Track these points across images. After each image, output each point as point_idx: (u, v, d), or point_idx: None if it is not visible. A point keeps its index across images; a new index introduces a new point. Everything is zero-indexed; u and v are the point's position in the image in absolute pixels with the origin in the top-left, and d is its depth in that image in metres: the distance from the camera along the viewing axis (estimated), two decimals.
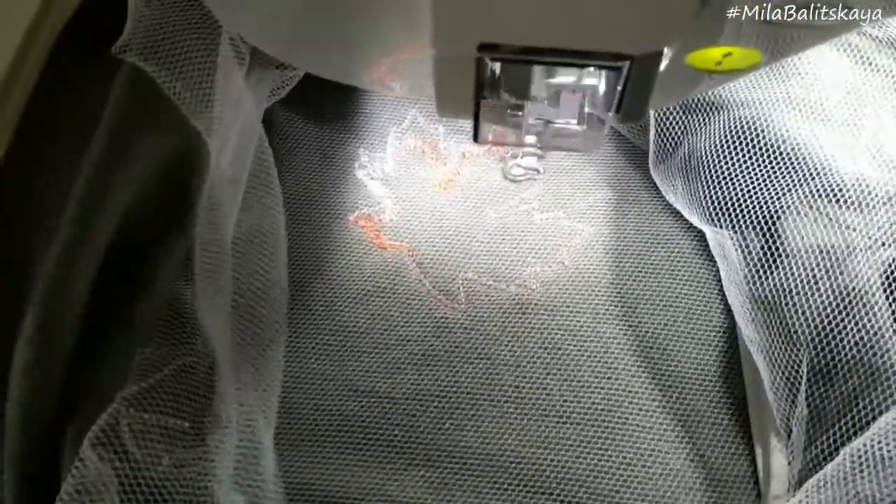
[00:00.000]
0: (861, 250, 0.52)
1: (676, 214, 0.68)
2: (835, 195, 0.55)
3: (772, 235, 0.57)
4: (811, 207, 0.56)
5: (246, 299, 0.58)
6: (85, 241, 0.51)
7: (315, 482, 0.56)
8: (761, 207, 0.58)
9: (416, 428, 0.59)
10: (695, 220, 0.64)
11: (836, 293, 0.52)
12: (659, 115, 0.66)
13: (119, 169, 0.54)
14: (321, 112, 0.75)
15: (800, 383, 0.53)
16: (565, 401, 0.60)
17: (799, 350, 0.53)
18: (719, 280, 0.65)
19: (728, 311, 0.63)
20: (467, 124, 0.75)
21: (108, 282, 0.53)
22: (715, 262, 0.66)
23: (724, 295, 0.64)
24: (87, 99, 0.56)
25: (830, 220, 0.55)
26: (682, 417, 0.59)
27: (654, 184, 0.70)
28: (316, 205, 0.70)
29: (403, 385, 0.61)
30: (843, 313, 0.51)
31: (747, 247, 0.58)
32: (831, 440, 0.51)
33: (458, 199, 0.71)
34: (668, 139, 0.66)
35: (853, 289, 0.51)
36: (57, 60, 0.56)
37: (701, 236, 0.67)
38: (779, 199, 0.57)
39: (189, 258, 0.55)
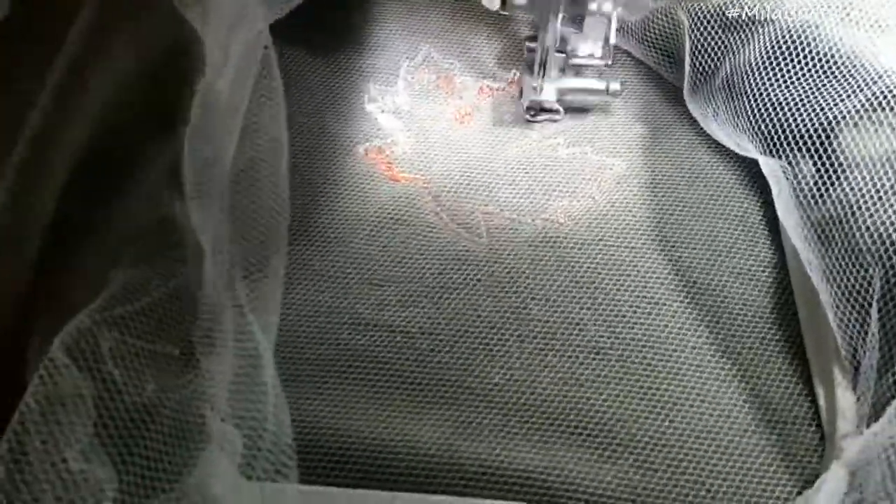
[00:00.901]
0: None
1: (713, 147, 0.63)
2: None
3: (826, 150, 0.52)
4: (869, 118, 0.51)
5: (243, 221, 0.52)
6: (56, 137, 0.45)
7: (322, 420, 0.50)
8: (814, 120, 0.53)
9: (436, 364, 0.52)
10: (739, 147, 0.59)
11: None
12: (695, 36, 0.61)
13: (98, 61, 0.48)
14: (327, 45, 0.70)
15: (870, 305, 0.47)
16: (601, 336, 0.54)
17: (868, 268, 0.47)
18: (763, 213, 0.60)
19: (774, 245, 0.58)
20: (483, 59, 0.70)
21: (81, 185, 0.47)
22: (757, 195, 0.60)
23: (769, 228, 0.59)
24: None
25: (894, 128, 0.50)
26: (731, 355, 0.53)
27: (687, 118, 0.65)
28: (323, 137, 0.64)
29: (419, 318, 0.54)
30: None
31: (802, 164, 0.53)
32: None
33: (475, 134, 0.65)
34: (706, 62, 0.61)
35: None
36: None
37: (741, 169, 0.62)
38: (832, 109, 0.52)
39: (177, 171, 0.49)
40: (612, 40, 0.62)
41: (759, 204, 0.60)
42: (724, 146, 0.62)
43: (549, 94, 0.63)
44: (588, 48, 0.62)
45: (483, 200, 0.61)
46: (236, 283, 0.49)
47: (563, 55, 0.63)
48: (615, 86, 0.63)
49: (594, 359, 0.53)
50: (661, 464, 0.49)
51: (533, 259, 0.57)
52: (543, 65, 0.61)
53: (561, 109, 0.64)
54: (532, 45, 0.64)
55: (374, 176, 0.62)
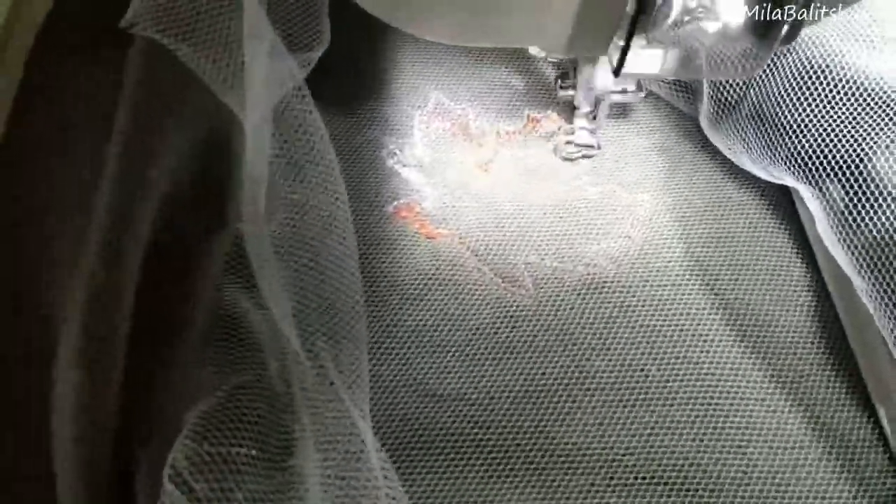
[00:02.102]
0: None
1: (737, 176, 0.64)
2: None
3: (863, 175, 0.54)
4: None
5: (314, 290, 0.50)
6: (128, 237, 0.43)
7: (414, 501, 0.48)
8: (848, 148, 0.54)
9: (508, 429, 0.52)
10: (772, 176, 0.60)
11: None
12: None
13: (148, 157, 0.46)
14: (338, 102, 0.68)
15: None
16: (666, 380, 0.54)
17: None
18: (795, 240, 0.61)
19: (811, 268, 0.60)
20: (496, 103, 0.69)
21: (152, 286, 0.45)
22: (787, 222, 0.62)
23: (803, 255, 0.60)
24: (73, 95, 0.48)
25: None
26: (789, 384, 0.54)
27: (706, 148, 0.66)
28: (351, 199, 0.62)
29: (484, 384, 0.54)
30: None
31: (839, 191, 0.55)
32: None
33: (501, 181, 0.65)
34: (727, 95, 0.62)
35: None
36: (37, 61, 0.48)
37: (768, 196, 0.63)
38: (866, 137, 0.54)
39: (232, 257, 0.47)
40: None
41: (789, 231, 0.61)
42: (746, 174, 0.63)
43: (583, 136, 0.64)
44: (621, 82, 0.62)
45: (522, 250, 0.60)
46: (315, 359, 0.47)
47: (596, 90, 0.63)
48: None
49: (663, 404, 0.53)
50: (748, 502, 0.49)
51: (584, 308, 0.57)
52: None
53: (598, 145, 0.64)
54: (565, 82, 0.63)
55: (409, 235, 0.61)
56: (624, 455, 0.51)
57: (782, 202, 0.62)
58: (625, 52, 0.43)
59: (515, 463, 0.51)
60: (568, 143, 0.65)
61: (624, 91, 0.62)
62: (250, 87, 0.49)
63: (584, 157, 0.65)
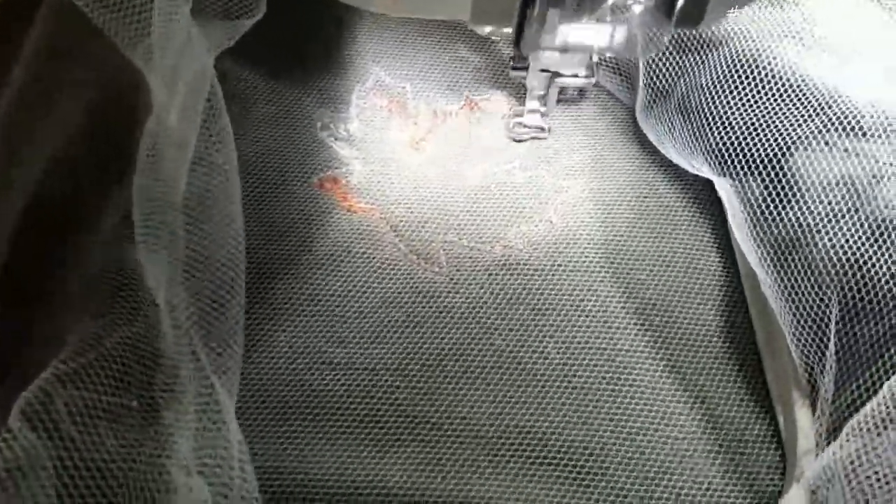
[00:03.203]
0: (887, 178, 0.49)
1: (667, 168, 0.64)
2: (850, 125, 0.51)
3: (780, 172, 0.53)
4: (823, 141, 0.52)
5: (199, 263, 0.51)
6: (3, 187, 0.43)
7: (288, 465, 0.49)
8: (769, 144, 0.54)
9: (402, 400, 0.52)
10: (693, 167, 0.60)
11: (866, 225, 0.48)
12: (649, 59, 0.61)
13: (42, 110, 0.47)
14: (277, 72, 0.68)
15: (828, 325, 0.48)
16: (564, 364, 0.54)
17: (827, 288, 0.48)
18: (717, 234, 0.61)
19: (729, 265, 0.59)
20: (437, 82, 0.69)
21: (30, 241, 0.45)
22: (710, 215, 0.62)
23: (723, 249, 0.60)
24: None
25: (847, 152, 0.51)
26: (691, 378, 0.54)
27: (642, 139, 0.66)
28: (276, 168, 0.63)
29: (383, 355, 0.54)
30: (875, 245, 0.47)
31: (756, 184, 0.54)
32: (865, 386, 0.46)
33: (431, 160, 0.65)
34: (660, 83, 0.61)
35: (884, 218, 0.47)
36: None
37: (694, 189, 0.63)
38: (787, 131, 0.53)
39: (128, 216, 0.48)
40: (596, 58, 0.63)
41: (712, 224, 0.61)
42: (677, 167, 0.62)
43: (534, 118, 0.64)
44: (573, 67, 0.62)
45: (442, 229, 0.61)
46: (193, 330, 0.48)
47: (549, 73, 0.63)
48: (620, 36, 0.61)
49: (558, 387, 0.53)
50: (631, 489, 0.49)
51: (494, 288, 0.57)
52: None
53: (548, 128, 0.64)
54: (518, 64, 0.63)
55: (331, 207, 0.61)
56: (512, 433, 0.51)
57: (708, 197, 0.61)
58: (520, 27, 0.43)
59: (403, 434, 0.51)
60: (518, 124, 0.65)
61: (575, 76, 0.62)
62: (163, 45, 0.50)
63: (533, 138, 0.65)
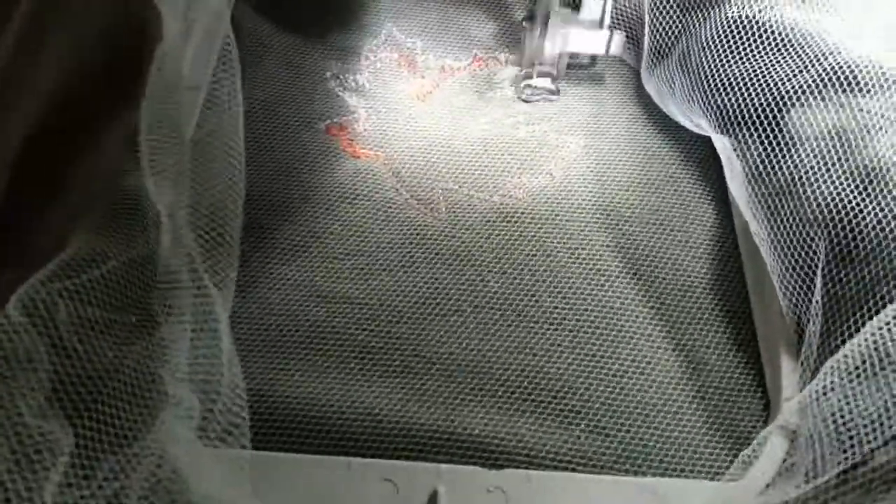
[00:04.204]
0: (878, 130, 0.49)
1: (667, 127, 0.65)
2: (846, 78, 0.51)
3: (775, 126, 0.54)
4: (818, 95, 0.53)
5: (200, 192, 0.53)
6: (13, 100, 0.45)
7: (280, 390, 0.50)
8: (765, 97, 0.54)
9: (394, 335, 0.53)
10: (693, 124, 0.61)
11: (855, 173, 0.48)
12: (654, 16, 0.62)
13: (55, 28, 0.49)
14: (291, 23, 0.70)
15: (815, 269, 0.49)
16: (556, 307, 0.55)
17: (816, 232, 0.49)
18: (714, 189, 0.61)
19: (723, 220, 0.60)
20: (446, 39, 0.71)
21: (42, 146, 0.47)
22: (708, 172, 0.62)
23: (718, 204, 0.61)
24: None
25: (842, 105, 0.52)
26: (680, 325, 0.55)
27: (643, 98, 0.66)
28: (285, 113, 0.65)
29: (378, 291, 0.55)
30: (864, 193, 0.47)
31: (753, 140, 0.55)
32: (852, 330, 0.46)
33: (436, 112, 0.66)
34: (663, 42, 0.62)
35: (872, 168, 0.48)
36: None
37: (693, 147, 0.63)
38: (783, 85, 0.54)
39: (135, 141, 0.49)
40: (608, 21, 0.64)
41: (709, 181, 0.61)
42: (676, 126, 0.63)
43: (545, 81, 0.65)
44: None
45: (443, 177, 0.62)
46: (193, 252, 0.49)
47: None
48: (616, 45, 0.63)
49: (548, 328, 0.54)
50: (612, 429, 0.50)
51: (490, 234, 0.58)
52: (545, 23, 0.62)
53: (557, 90, 0.65)
54: (531, 23, 0.64)
55: (336, 152, 0.63)
56: (498, 370, 0.52)
57: (705, 154, 0.62)
58: None
59: (391, 365, 0.52)
60: (527, 85, 0.66)
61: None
62: None
63: (543, 100, 0.66)
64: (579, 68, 0.68)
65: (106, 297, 0.45)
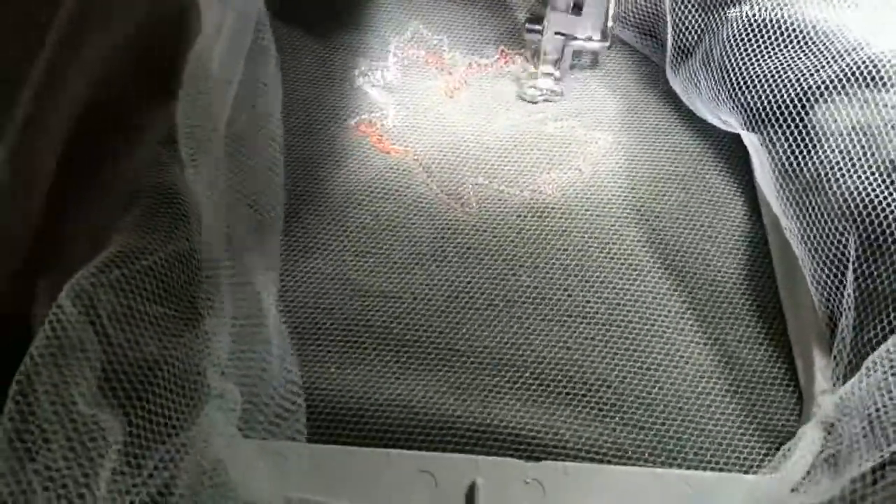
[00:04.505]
0: None
1: (695, 123, 0.65)
2: (869, 73, 0.52)
3: (802, 122, 0.54)
4: (842, 91, 0.53)
5: (240, 185, 0.53)
6: (56, 95, 0.46)
7: (317, 383, 0.51)
8: (790, 93, 0.55)
9: (428, 328, 0.54)
10: (721, 122, 0.61)
11: (882, 168, 0.49)
12: (676, 15, 0.62)
13: (96, 23, 0.49)
14: (319, 22, 0.71)
15: (846, 264, 0.49)
16: (588, 302, 0.55)
17: (844, 232, 0.49)
18: (742, 185, 0.62)
19: (753, 215, 0.60)
20: (473, 36, 0.71)
21: (82, 144, 0.47)
22: (736, 168, 0.62)
23: (748, 199, 0.61)
24: None
25: (867, 101, 0.52)
26: (712, 319, 0.55)
27: (669, 95, 0.67)
28: (315, 111, 0.65)
29: (411, 285, 0.56)
30: (891, 187, 0.48)
31: (780, 136, 0.55)
32: (882, 326, 0.47)
33: (465, 108, 0.66)
34: (687, 40, 0.62)
35: None
36: None
37: (721, 143, 0.64)
38: (807, 80, 0.54)
39: (175, 136, 0.50)
40: (611, 23, 0.64)
41: (738, 176, 0.62)
42: (703, 122, 0.63)
43: (547, 82, 0.65)
44: (587, 31, 0.64)
45: (473, 172, 0.62)
46: (236, 245, 0.50)
47: (563, 37, 0.64)
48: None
49: (581, 322, 0.54)
50: (647, 422, 0.50)
51: (521, 228, 0.59)
52: (540, 52, 0.63)
53: (561, 91, 0.66)
54: (533, 26, 0.65)
55: (366, 148, 0.63)
56: (532, 363, 0.53)
57: (734, 150, 0.62)
58: None
59: (426, 358, 0.53)
60: (531, 87, 0.66)
61: (589, 39, 0.64)
62: None
63: (546, 101, 0.67)
64: (599, 63, 0.68)
65: (151, 289, 0.45)
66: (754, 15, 0.57)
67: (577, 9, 0.63)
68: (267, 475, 0.45)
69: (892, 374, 0.43)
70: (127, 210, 0.48)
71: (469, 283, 0.56)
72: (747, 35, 0.57)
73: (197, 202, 0.48)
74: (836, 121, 0.52)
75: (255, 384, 0.45)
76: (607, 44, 0.64)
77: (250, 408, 0.45)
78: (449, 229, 0.58)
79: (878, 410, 0.42)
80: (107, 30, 0.48)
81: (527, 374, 0.52)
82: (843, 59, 0.53)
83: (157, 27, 0.50)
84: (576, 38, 0.64)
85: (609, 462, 0.48)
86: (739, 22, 0.58)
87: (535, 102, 0.66)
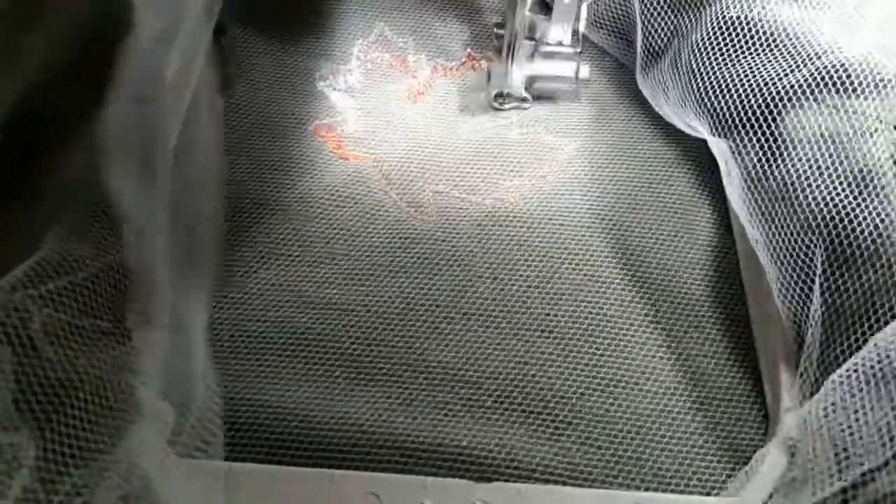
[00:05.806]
0: (872, 133, 0.47)
1: (662, 129, 0.63)
2: (839, 78, 0.50)
3: (770, 129, 0.52)
4: (811, 97, 0.51)
5: (180, 198, 0.51)
6: None
7: (261, 399, 0.49)
8: (758, 99, 0.53)
9: (380, 342, 0.52)
10: (688, 127, 0.59)
11: (850, 177, 0.47)
12: (645, 17, 0.61)
13: (29, 25, 0.47)
14: (280, 23, 0.69)
15: (814, 277, 0.47)
16: (548, 315, 0.53)
17: (813, 239, 0.47)
18: (710, 193, 0.60)
19: (721, 223, 0.58)
20: (439, 38, 0.69)
21: (12, 147, 0.45)
22: (704, 175, 0.61)
23: (714, 209, 0.59)
24: None
25: (836, 108, 0.50)
26: (676, 333, 0.53)
27: (639, 100, 0.65)
28: (273, 114, 0.64)
29: (365, 297, 0.54)
30: (859, 198, 0.46)
31: (748, 143, 0.53)
32: (851, 340, 0.44)
33: (428, 113, 0.64)
34: (656, 43, 0.60)
35: (867, 172, 0.46)
36: None
37: (688, 150, 0.62)
38: (775, 85, 0.52)
39: (112, 145, 0.48)
40: (582, 28, 0.62)
41: (705, 183, 0.60)
42: (672, 128, 0.62)
43: (517, 83, 0.63)
44: (557, 35, 0.62)
45: (434, 179, 0.60)
46: (171, 261, 0.48)
47: (533, 42, 0.62)
48: (584, 72, 0.62)
49: (539, 336, 0.52)
50: (604, 441, 0.48)
51: (482, 238, 0.57)
52: (512, 50, 0.60)
53: (530, 98, 0.64)
54: (501, 31, 0.63)
55: (324, 154, 0.61)
56: (487, 379, 0.50)
57: (702, 156, 0.60)
58: None
59: (376, 373, 0.51)
60: (498, 94, 0.64)
61: (560, 44, 0.62)
62: None
63: (514, 108, 0.65)
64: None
65: (80, 303, 0.43)
66: (724, 17, 0.55)
67: (547, 11, 0.61)
68: (202, 497, 0.43)
69: (852, 395, 0.41)
70: (58, 218, 0.46)
71: (426, 295, 0.54)
72: (716, 38, 0.55)
73: (130, 214, 0.46)
74: (804, 127, 0.50)
75: (184, 402, 0.43)
76: (579, 48, 0.62)
77: (181, 426, 0.43)
78: (407, 239, 0.57)
79: (838, 432, 0.41)
80: (41, 30, 0.46)
81: (481, 391, 0.50)
82: (813, 62, 0.51)
83: (94, 28, 0.48)
84: (547, 44, 0.62)
85: (564, 483, 0.46)
86: (709, 24, 0.56)
87: (503, 109, 0.64)
